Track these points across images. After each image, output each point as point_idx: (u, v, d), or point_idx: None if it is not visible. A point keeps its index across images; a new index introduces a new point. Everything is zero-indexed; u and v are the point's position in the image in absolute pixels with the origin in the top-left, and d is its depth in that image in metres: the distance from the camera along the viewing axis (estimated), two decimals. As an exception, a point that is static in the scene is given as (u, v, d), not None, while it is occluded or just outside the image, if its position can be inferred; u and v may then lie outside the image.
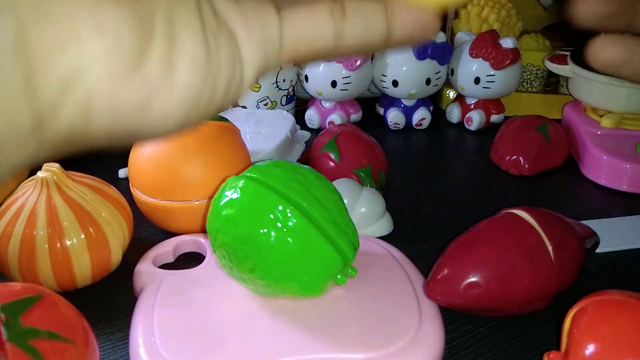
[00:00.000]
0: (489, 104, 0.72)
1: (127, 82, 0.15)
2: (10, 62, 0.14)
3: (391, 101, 0.73)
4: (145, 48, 0.15)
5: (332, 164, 0.53)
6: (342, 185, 0.48)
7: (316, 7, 0.18)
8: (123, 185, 0.49)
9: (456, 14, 0.79)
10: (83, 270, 0.40)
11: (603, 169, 0.58)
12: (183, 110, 0.17)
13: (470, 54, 0.69)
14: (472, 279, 0.37)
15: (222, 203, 0.35)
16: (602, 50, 0.23)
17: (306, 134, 0.67)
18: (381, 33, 0.19)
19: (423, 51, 0.68)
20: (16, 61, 0.14)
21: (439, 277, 0.38)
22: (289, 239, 0.33)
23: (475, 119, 0.71)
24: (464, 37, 0.73)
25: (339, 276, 0.35)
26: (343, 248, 0.35)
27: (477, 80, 0.70)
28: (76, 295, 0.40)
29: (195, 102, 0.17)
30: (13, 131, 0.14)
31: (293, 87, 0.72)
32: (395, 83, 0.70)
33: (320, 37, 0.18)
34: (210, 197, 0.40)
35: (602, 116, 0.63)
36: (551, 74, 0.75)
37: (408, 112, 0.72)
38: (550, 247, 0.39)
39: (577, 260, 0.41)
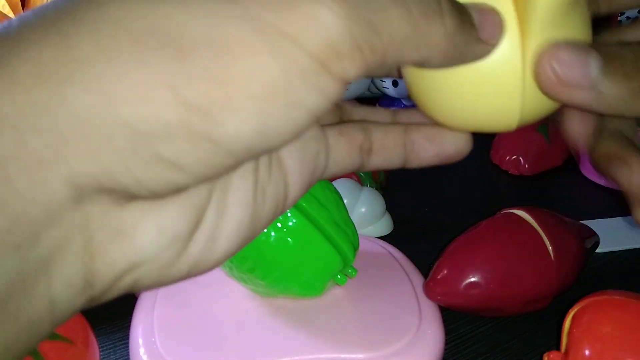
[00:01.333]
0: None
1: (174, 265, 0.16)
2: (76, 265, 0.14)
3: (391, 101, 0.73)
4: (195, 232, 0.16)
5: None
6: (342, 185, 0.48)
7: (353, 143, 0.20)
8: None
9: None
10: (83, 270, 0.40)
11: (603, 169, 0.58)
12: (220, 262, 0.18)
13: (470, 54, 0.69)
14: (472, 279, 0.37)
15: None
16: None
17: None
18: (398, 164, 0.21)
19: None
20: (82, 264, 0.14)
21: (439, 277, 0.38)
22: (288, 239, 0.33)
23: (475, 119, 0.71)
24: (464, 37, 0.73)
25: (339, 276, 0.35)
26: (343, 248, 0.35)
27: (477, 80, 0.70)
28: (76, 295, 0.40)
29: (234, 250, 0.18)
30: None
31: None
32: (395, 83, 0.70)
33: (350, 168, 0.21)
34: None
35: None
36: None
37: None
38: (551, 247, 0.39)
39: (577, 260, 0.41)
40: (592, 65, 0.17)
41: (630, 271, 0.45)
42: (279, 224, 0.33)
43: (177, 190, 0.15)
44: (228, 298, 0.38)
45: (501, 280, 0.37)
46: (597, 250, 0.47)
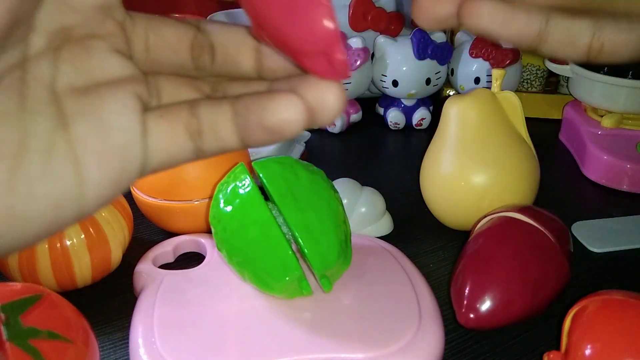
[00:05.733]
0: (489, 104, 0.72)
1: None
2: None
3: (391, 101, 0.73)
4: None
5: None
6: (342, 185, 0.48)
7: (175, 126, 0.18)
8: (123, 185, 0.49)
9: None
10: (83, 270, 0.40)
11: (603, 169, 0.58)
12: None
13: (470, 54, 0.69)
14: (508, 297, 0.37)
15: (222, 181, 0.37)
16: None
17: (306, 134, 0.67)
18: (235, 143, 0.19)
19: (423, 51, 0.68)
20: None
21: (477, 304, 0.37)
22: (250, 229, 0.34)
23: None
24: (464, 37, 0.73)
25: (302, 284, 0.35)
26: (309, 256, 0.34)
27: (477, 80, 0.70)
28: (76, 295, 0.40)
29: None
30: None
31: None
32: (395, 83, 0.70)
33: (182, 155, 0.18)
34: (210, 197, 0.40)
35: (602, 116, 0.63)
36: (551, 73, 0.75)
37: (408, 112, 0.72)
38: (556, 242, 0.39)
39: (569, 252, 0.41)
40: None
41: (630, 271, 0.45)
42: (245, 212, 0.34)
43: None
44: (228, 298, 0.38)
45: (530, 287, 0.37)
46: (597, 250, 0.47)
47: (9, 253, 0.17)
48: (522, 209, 0.42)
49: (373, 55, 0.71)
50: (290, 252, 0.34)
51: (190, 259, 0.45)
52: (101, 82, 0.18)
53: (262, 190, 0.35)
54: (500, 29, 0.19)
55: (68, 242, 0.39)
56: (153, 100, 0.19)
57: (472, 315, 0.36)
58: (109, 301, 0.42)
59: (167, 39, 0.20)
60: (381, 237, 0.47)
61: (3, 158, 0.16)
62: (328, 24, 0.17)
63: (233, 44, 0.20)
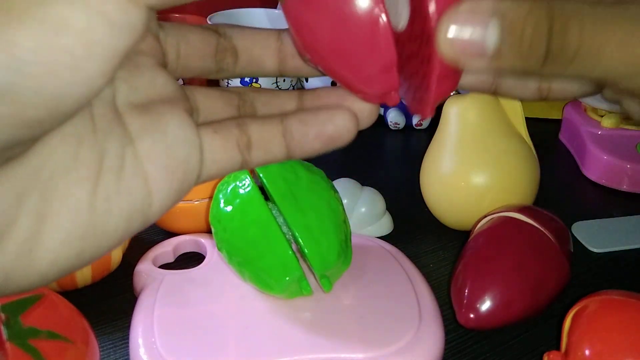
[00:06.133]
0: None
1: None
2: None
3: (391, 101, 0.73)
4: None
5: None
6: (342, 185, 0.48)
7: (229, 140, 0.20)
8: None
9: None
10: (83, 270, 0.40)
11: (603, 169, 0.58)
12: (45, 275, 0.16)
13: (470, 54, 0.69)
14: (508, 297, 0.37)
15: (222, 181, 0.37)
16: None
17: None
18: (282, 155, 0.21)
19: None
20: None
21: (471, 304, 0.37)
22: (250, 229, 0.34)
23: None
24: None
25: (302, 283, 0.35)
26: (309, 256, 0.34)
27: (477, 80, 0.70)
28: (76, 295, 0.40)
29: (64, 262, 0.17)
30: None
31: (293, 87, 0.72)
32: (395, 83, 0.70)
33: (232, 167, 0.20)
34: (210, 197, 0.40)
35: (602, 116, 0.63)
36: (551, 74, 0.75)
37: (408, 112, 0.72)
38: (555, 242, 0.39)
39: (569, 252, 0.41)
40: (491, 34, 0.17)
41: (630, 271, 0.45)
42: (245, 211, 0.34)
43: None
44: (228, 298, 0.38)
45: (530, 287, 0.37)
46: (597, 250, 0.47)
47: (86, 265, 0.17)
48: (522, 209, 0.42)
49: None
50: (290, 252, 0.34)
51: (190, 259, 0.45)
52: (156, 100, 0.19)
53: (262, 190, 0.35)
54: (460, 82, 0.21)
55: (68, 242, 0.39)
56: (195, 115, 0.21)
57: (472, 315, 0.36)
58: (109, 301, 0.42)
59: (195, 45, 0.21)
60: (381, 237, 0.47)
61: (85, 180, 0.16)
62: (388, 73, 0.19)
63: (258, 46, 0.22)
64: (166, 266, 0.44)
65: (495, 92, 0.22)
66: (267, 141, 0.20)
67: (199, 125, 0.19)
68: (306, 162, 0.37)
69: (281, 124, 0.20)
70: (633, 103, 0.21)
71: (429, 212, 0.50)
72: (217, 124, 0.20)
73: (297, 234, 0.34)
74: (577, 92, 0.22)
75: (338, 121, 0.20)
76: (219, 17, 0.69)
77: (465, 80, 0.22)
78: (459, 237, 0.48)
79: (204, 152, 0.19)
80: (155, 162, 0.18)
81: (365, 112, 0.21)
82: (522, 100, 0.23)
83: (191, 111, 0.19)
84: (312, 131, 0.20)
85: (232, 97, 0.22)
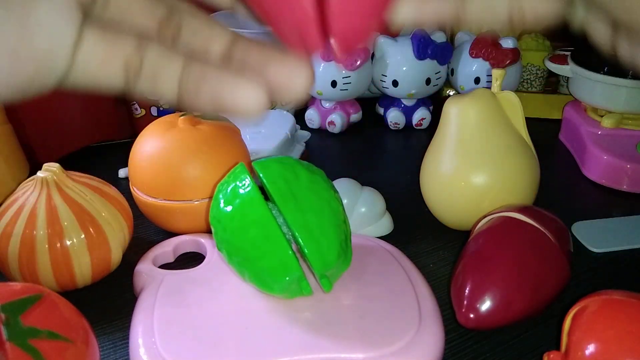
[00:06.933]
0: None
1: None
2: None
3: (391, 101, 0.73)
4: None
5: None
6: (342, 185, 0.48)
7: (115, 54, 0.17)
8: (123, 185, 0.49)
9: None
10: (83, 270, 0.40)
11: (603, 169, 0.58)
12: None
13: (470, 54, 0.69)
14: (508, 297, 0.37)
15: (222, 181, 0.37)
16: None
17: (306, 134, 0.67)
18: (169, 99, 0.18)
19: (423, 51, 0.68)
20: None
21: (472, 304, 0.37)
22: (250, 228, 0.34)
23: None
24: (464, 37, 0.73)
25: (302, 284, 0.35)
26: (309, 256, 0.34)
27: (477, 80, 0.70)
28: (76, 295, 0.40)
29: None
30: None
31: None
32: (395, 83, 0.70)
33: (107, 85, 0.17)
34: (210, 197, 0.40)
35: (602, 116, 0.63)
36: (551, 73, 0.75)
37: (408, 112, 0.72)
38: (556, 242, 0.39)
39: (569, 252, 0.41)
40: None
41: (630, 271, 0.45)
42: (245, 212, 0.34)
43: None
44: (228, 298, 0.38)
45: (530, 287, 0.37)
46: (597, 250, 0.47)
47: None
48: (522, 209, 0.42)
49: (373, 55, 0.71)
50: (290, 252, 0.34)
51: (190, 259, 0.45)
52: None
53: (262, 190, 0.35)
54: (417, 18, 0.20)
55: (68, 242, 0.39)
56: (97, 8, 0.18)
57: (472, 315, 0.36)
58: (109, 301, 0.42)
59: (134, 11, 0.18)
60: (381, 237, 0.47)
61: None
62: (306, 4, 0.17)
63: (205, 31, 0.19)
64: (166, 266, 0.44)
65: (462, 24, 0.20)
66: (159, 77, 0.17)
67: (90, 21, 0.16)
68: (306, 162, 0.37)
69: (183, 67, 0.17)
70: (601, 24, 0.19)
71: (429, 212, 0.50)
72: (113, 29, 0.17)
73: (297, 234, 0.34)
74: (550, 11, 0.20)
75: (239, 93, 0.17)
76: (219, 17, 0.69)
77: (425, 10, 0.20)
78: (459, 237, 0.48)
79: (78, 53, 0.16)
80: (3, 44, 0.15)
81: (291, 81, 0.18)
82: (492, 26, 0.20)
83: (88, 2, 0.17)
84: (208, 92, 0.17)
85: (159, 7, 0.19)
